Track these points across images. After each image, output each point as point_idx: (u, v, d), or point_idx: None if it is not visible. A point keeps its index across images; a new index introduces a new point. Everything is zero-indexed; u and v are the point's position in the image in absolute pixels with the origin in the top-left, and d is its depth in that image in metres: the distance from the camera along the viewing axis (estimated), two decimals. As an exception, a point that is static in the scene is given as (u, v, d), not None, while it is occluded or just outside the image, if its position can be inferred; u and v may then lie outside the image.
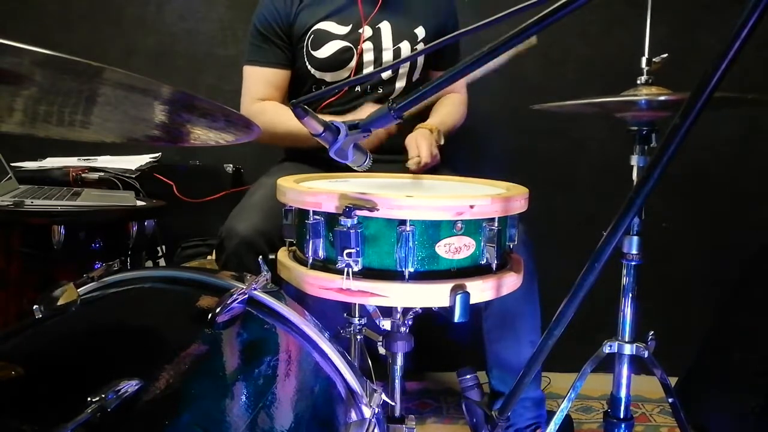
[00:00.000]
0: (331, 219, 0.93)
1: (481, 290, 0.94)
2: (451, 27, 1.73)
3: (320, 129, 0.91)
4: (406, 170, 1.50)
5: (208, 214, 1.93)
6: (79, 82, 0.61)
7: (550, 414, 1.33)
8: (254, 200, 1.47)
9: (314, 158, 1.66)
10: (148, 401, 0.58)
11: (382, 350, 1.08)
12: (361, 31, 1.61)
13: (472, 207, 0.90)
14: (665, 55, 1.19)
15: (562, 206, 2.14)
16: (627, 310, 1.28)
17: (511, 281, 1.00)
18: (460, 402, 1.24)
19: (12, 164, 1.77)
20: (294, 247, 1.07)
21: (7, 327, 0.75)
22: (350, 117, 1.51)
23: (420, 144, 1.51)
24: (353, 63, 1.61)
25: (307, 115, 0.91)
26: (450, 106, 1.77)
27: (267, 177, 1.61)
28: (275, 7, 1.63)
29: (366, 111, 1.50)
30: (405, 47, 1.65)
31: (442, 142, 1.61)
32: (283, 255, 1.06)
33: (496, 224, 0.95)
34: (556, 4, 0.73)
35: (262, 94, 1.67)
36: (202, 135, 0.90)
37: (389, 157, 1.57)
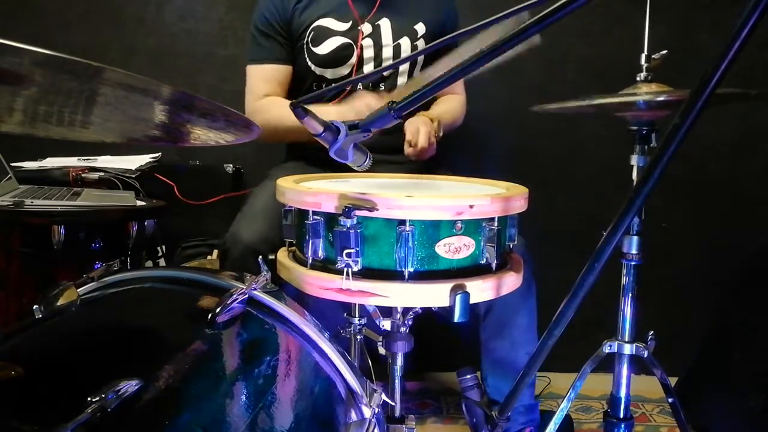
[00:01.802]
0: (330, 219, 0.93)
1: (480, 290, 0.94)
2: (451, 24, 1.74)
3: (320, 129, 0.92)
4: (406, 170, 1.50)
5: (208, 214, 1.93)
6: (79, 82, 0.61)
7: (550, 414, 1.33)
8: (257, 206, 1.47)
9: (315, 158, 1.66)
10: (148, 401, 0.58)
11: (382, 350, 1.08)
12: (360, 27, 1.62)
13: (471, 207, 0.90)
14: (664, 52, 1.18)
15: (562, 206, 2.14)
16: (627, 310, 1.28)
17: (511, 281, 1.00)
18: (460, 402, 1.24)
19: (12, 164, 1.77)
20: (294, 248, 1.07)
21: (7, 327, 0.75)
22: (346, 104, 1.52)
23: (419, 128, 1.51)
24: (354, 59, 1.62)
25: (307, 115, 0.91)
26: (450, 105, 1.77)
27: (269, 180, 1.62)
28: (273, 5, 1.65)
29: (361, 98, 1.51)
30: (405, 43, 1.65)
31: (441, 134, 1.61)
32: (282, 255, 1.06)
33: (495, 224, 0.95)
34: (556, 4, 0.73)
35: (265, 91, 1.67)
36: (202, 135, 0.90)
37: (389, 157, 1.57)
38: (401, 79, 1.68)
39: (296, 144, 1.75)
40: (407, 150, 1.51)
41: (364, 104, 1.50)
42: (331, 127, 0.92)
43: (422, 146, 1.49)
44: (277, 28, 1.65)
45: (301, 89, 1.70)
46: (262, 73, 1.67)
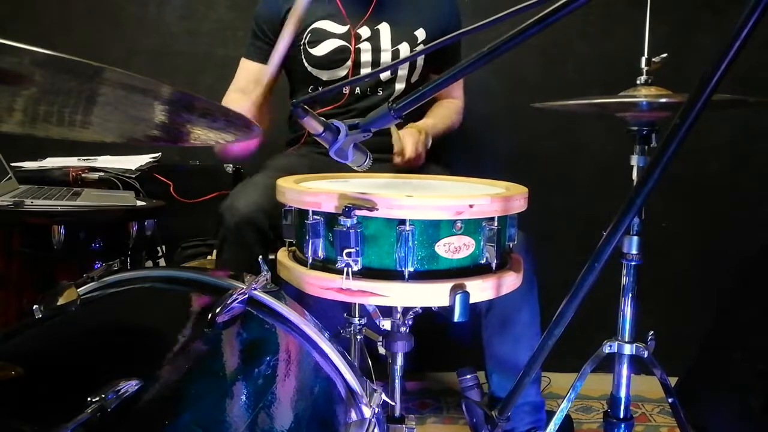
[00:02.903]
0: (330, 219, 0.93)
1: (480, 290, 0.94)
2: (453, 29, 1.72)
3: (320, 129, 0.92)
4: (405, 170, 1.50)
5: (209, 214, 1.92)
6: (79, 82, 0.61)
7: (550, 415, 1.33)
8: (255, 179, 1.48)
9: (316, 151, 1.67)
10: (148, 401, 0.58)
11: (382, 350, 1.07)
12: (357, 31, 1.62)
13: (471, 206, 0.90)
14: (665, 55, 1.19)
15: (562, 206, 2.14)
16: (627, 310, 1.28)
17: (511, 280, 0.99)
18: (460, 402, 1.24)
19: (12, 164, 1.76)
20: (293, 248, 1.07)
21: (7, 327, 0.75)
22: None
23: (405, 139, 1.53)
24: (350, 63, 1.62)
25: (307, 115, 0.91)
26: (444, 111, 1.77)
27: (269, 159, 1.65)
28: (268, 6, 1.67)
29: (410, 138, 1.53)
30: (404, 49, 1.65)
31: (429, 144, 1.61)
32: (282, 255, 1.06)
33: (495, 224, 0.95)
34: (556, 4, 0.73)
35: (242, 86, 1.73)
36: (202, 135, 0.90)
37: (389, 156, 1.57)
38: (399, 85, 1.67)
39: (296, 140, 1.76)
40: (395, 160, 1.52)
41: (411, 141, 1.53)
42: (330, 127, 0.92)
43: (409, 156, 1.51)
44: (266, 31, 1.68)
45: (299, 91, 1.70)
46: (246, 67, 1.73)
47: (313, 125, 0.92)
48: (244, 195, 1.41)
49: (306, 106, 0.92)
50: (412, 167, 1.54)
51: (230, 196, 1.44)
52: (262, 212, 1.36)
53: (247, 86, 1.72)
